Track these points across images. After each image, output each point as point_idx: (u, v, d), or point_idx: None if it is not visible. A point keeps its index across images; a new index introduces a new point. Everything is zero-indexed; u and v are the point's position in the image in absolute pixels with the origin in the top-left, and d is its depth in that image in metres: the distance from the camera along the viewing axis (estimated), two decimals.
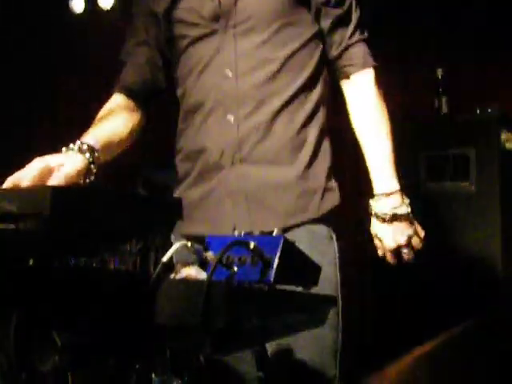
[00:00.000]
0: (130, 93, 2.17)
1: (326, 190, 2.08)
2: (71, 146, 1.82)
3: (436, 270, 3.85)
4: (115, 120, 2.08)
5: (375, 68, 2.15)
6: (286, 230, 1.99)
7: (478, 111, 4.01)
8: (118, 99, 2.16)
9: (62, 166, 1.71)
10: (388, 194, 2.09)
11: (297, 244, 1.97)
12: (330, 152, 2.13)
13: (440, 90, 4.37)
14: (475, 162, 3.84)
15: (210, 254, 1.31)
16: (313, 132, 2.08)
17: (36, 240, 1.25)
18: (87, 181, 1.82)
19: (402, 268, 2.13)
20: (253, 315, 1.16)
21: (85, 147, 1.82)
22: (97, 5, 5.12)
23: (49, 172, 1.68)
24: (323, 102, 2.12)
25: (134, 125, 2.14)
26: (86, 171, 1.80)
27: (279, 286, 1.24)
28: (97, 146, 1.86)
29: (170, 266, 1.27)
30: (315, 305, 1.35)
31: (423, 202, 3.97)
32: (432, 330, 3.50)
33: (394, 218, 2.09)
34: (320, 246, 2.01)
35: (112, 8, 5.15)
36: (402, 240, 2.11)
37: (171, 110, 2.26)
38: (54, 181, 1.67)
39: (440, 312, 3.74)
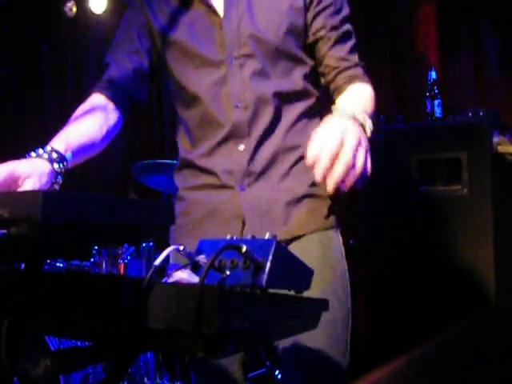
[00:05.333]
0: (110, 94, 2.12)
1: (330, 205, 2.13)
2: (41, 151, 1.77)
3: (427, 273, 3.85)
4: (90, 122, 2.02)
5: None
6: (296, 237, 2.07)
7: (470, 114, 4.02)
8: (96, 99, 2.11)
9: (28, 176, 1.67)
10: (352, 115, 1.78)
11: (310, 246, 2.01)
12: None
13: (432, 93, 4.38)
14: (467, 166, 3.84)
15: (202, 258, 1.31)
16: None
17: (27, 245, 1.25)
18: (53, 189, 1.78)
19: (394, 270, 2.12)
20: (245, 319, 1.16)
21: (54, 156, 1.78)
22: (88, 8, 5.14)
23: (14, 180, 1.65)
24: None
25: (108, 128, 2.07)
26: (52, 181, 1.76)
27: (271, 290, 1.24)
28: (67, 153, 1.82)
29: (163, 270, 1.27)
30: (307, 309, 1.35)
31: (415, 205, 3.99)
32: (424, 333, 3.51)
33: (353, 118, 1.74)
34: (329, 244, 2.09)
35: (104, 11, 5.17)
36: (351, 139, 1.62)
37: (162, 118, 2.27)
38: None
39: (432, 315, 3.74)
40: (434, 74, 4.45)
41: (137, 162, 4.46)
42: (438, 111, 4.35)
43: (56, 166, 1.77)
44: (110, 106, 2.11)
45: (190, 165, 2.17)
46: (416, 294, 3.88)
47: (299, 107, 2.11)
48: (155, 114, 5.23)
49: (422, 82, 4.50)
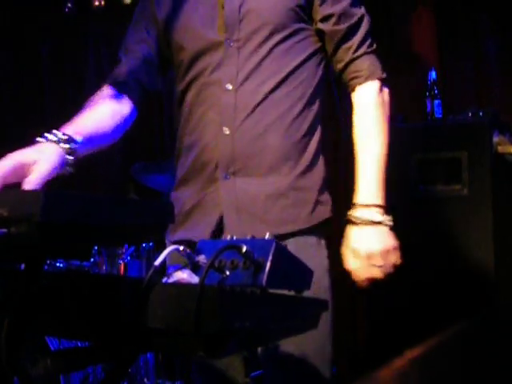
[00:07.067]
0: (121, 87, 2.11)
1: (317, 202, 2.06)
2: (48, 135, 1.74)
3: (428, 273, 3.85)
4: (102, 111, 2.01)
5: (381, 80, 2.11)
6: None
7: (470, 114, 4.02)
8: (108, 91, 2.10)
9: (36, 162, 1.64)
10: (366, 205, 2.01)
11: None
12: (324, 166, 2.11)
13: (432, 93, 4.38)
14: (467, 165, 3.84)
15: (202, 258, 1.31)
16: (310, 145, 2.07)
17: (27, 244, 1.25)
18: (66, 171, 1.75)
19: (395, 271, 2.10)
20: (245, 319, 1.16)
21: (62, 137, 1.74)
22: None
23: (23, 169, 1.62)
24: (321, 117, 2.12)
25: (121, 118, 2.06)
26: (63, 163, 1.72)
27: (271, 290, 1.24)
28: (77, 136, 1.79)
29: (162, 270, 1.27)
30: (307, 309, 1.35)
31: (415, 205, 3.98)
32: (424, 333, 3.50)
33: (373, 223, 1.99)
34: (308, 251, 1.98)
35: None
36: (377, 247, 1.98)
37: (162, 118, 2.27)
38: (29, 185, 1.60)
39: (432, 315, 3.74)
40: (433, 74, 4.45)
41: (137, 162, 4.46)
42: (437, 111, 4.35)
43: (64, 145, 1.73)
44: (122, 97, 2.10)
45: (183, 149, 2.15)
46: (416, 293, 3.87)
47: (296, 95, 2.05)
48: (155, 113, 5.23)
49: (421, 81, 4.50)
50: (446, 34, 4.74)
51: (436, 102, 4.34)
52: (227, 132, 2.02)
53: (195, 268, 1.30)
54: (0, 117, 5.43)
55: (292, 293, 1.33)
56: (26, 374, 1.29)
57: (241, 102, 2.02)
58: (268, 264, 1.21)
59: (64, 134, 1.76)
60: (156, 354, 3.89)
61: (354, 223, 2.00)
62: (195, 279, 1.26)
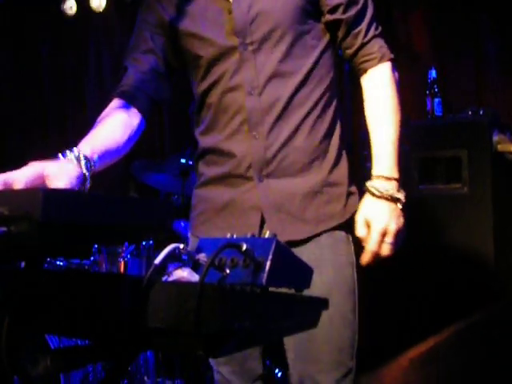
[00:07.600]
0: (130, 98, 2.13)
1: (349, 193, 2.14)
2: (68, 153, 1.78)
3: (428, 272, 3.85)
4: (114, 126, 2.04)
5: (391, 60, 2.18)
6: (310, 237, 2.07)
7: (470, 113, 4.01)
8: (116, 104, 2.12)
9: (57, 176, 1.67)
10: (387, 178, 2.08)
11: (321, 247, 2.05)
12: (347, 159, 2.17)
13: (432, 91, 4.38)
14: (467, 164, 3.84)
15: (202, 256, 1.31)
16: (333, 140, 2.13)
17: (27, 243, 1.25)
18: (81, 190, 1.77)
19: (396, 269, 2.11)
20: (245, 318, 1.15)
21: (82, 159, 1.78)
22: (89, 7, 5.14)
23: (42, 179, 1.64)
24: (339, 111, 2.17)
25: (131, 132, 2.09)
26: (81, 182, 1.77)
27: (271, 289, 1.24)
28: (94, 156, 1.83)
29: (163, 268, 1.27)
30: (307, 307, 1.35)
31: (415, 203, 3.98)
32: (425, 332, 3.50)
33: (392, 199, 2.07)
34: (339, 247, 2.09)
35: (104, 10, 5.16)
36: (393, 226, 2.06)
37: (162, 117, 2.26)
38: None
39: (433, 313, 3.74)
40: (434, 73, 4.45)
41: (137, 160, 4.45)
42: (438, 109, 4.35)
43: (84, 169, 1.78)
44: (131, 110, 2.12)
45: (210, 151, 2.17)
46: (416, 292, 3.87)
47: (316, 92, 2.10)
48: (155, 112, 5.21)
49: (421, 80, 4.49)
50: (446, 34, 4.73)
51: (436, 100, 4.34)
52: (257, 136, 2.06)
53: (195, 266, 1.29)
54: (0, 117, 5.42)
55: (292, 291, 1.33)
56: (26, 374, 1.29)
57: (266, 106, 2.05)
58: (268, 263, 1.21)
59: (84, 156, 1.79)
60: (156, 353, 3.88)
61: (373, 194, 2.07)
62: (195, 277, 1.26)
